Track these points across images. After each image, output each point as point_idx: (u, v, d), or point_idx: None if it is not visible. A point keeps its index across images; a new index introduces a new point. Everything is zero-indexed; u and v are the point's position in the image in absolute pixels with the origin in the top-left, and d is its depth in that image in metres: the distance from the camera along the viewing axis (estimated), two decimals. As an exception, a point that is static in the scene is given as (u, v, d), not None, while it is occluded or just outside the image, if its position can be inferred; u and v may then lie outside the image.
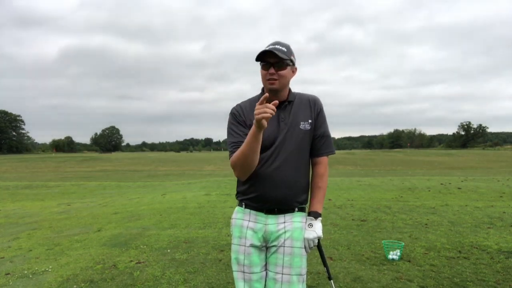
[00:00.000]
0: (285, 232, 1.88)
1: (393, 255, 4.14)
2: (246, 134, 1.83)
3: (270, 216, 1.90)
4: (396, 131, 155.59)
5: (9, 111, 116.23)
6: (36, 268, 4.08)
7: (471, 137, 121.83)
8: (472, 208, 7.32)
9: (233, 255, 1.96)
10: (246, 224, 1.93)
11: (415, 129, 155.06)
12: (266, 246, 1.93)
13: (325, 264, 2.00)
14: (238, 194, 2.01)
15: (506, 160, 36.50)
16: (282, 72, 1.85)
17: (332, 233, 5.37)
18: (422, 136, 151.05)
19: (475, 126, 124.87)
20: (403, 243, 4.36)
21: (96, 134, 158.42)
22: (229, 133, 1.95)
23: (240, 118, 1.93)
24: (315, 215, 1.92)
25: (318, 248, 1.99)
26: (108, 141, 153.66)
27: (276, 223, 1.89)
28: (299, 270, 1.87)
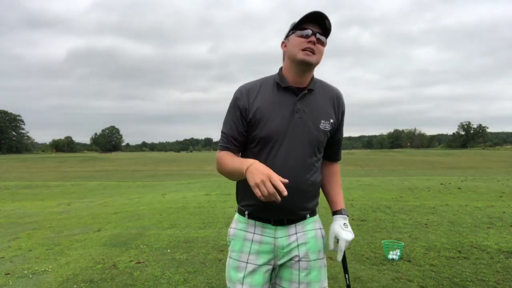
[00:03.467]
0: (298, 245, 1.61)
1: (393, 255, 4.15)
2: (242, 127, 1.58)
3: (279, 228, 1.60)
4: (396, 131, 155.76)
5: (10, 111, 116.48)
6: (36, 268, 4.08)
7: (471, 137, 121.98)
8: (472, 208, 7.31)
9: (231, 271, 1.62)
10: (250, 237, 1.62)
11: (415, 129, 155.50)
12: (274, 264, 1.62)
13: (346, 271, 1.76)
14: (239, 198, 1.69)
15: (506, 160, 36.50)
16: (321, 48, 1.55)
17: (332, 233, 5.37)
18: (422, 136, 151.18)
19: (475, 126, 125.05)
20: (403, 243, 4.36)
21: (96, 134, 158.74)
22: (225, 120, 1.63)
23: (240, 103, 1.58)
24: (346, 212, 1.70)
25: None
26: (108, 141, 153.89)
27: (287, 236, 1.60)
28: (319, 284, 1.61)
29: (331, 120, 1.62)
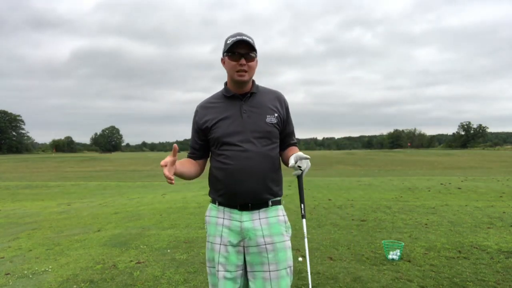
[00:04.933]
0: (262, 229, 1.86)
1: (393, 255, 4.15)
2: (198, 138, 1.96)
3: (245, 212, 1.87)
4: (396, 131, 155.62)
5: (9, 111, 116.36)
6: (36, 268, 4.08)
7: (471, 137, 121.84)
8: (472, 208, 7.32)
9: (208, 253, 1.93)
10: (221, 222, 1.91)
11: (415, 129, 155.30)
12: (244, 245, 1.88)
13: (302, 200, 1.98)
14: (211, 191, 1.99)
15: (506, 160, 36.47)
16: (252, 64, 1.86)
17: (332, 233, 5.37)
18: (422, 136, 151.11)
19: (475, 126, 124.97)
20: (403, 243, 4.36)
21: (96, 134, 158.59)
22: (191, 132, 2.03)
23: (195, 118, 1.97)
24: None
25: (298, 181, 1.95)
26: (108, 141, 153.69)
27: (251, 220, 1.87)
28: (286, 263, 1.86)
29: (276, 115, 1.92)
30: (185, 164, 1.91)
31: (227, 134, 1.85)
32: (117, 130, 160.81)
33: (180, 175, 1.82)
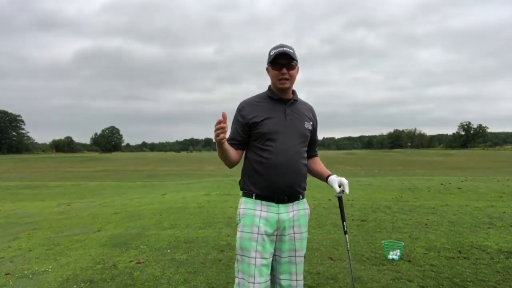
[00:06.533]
0: (294, 220, 2.12)
1: (393, 255, 4.15)
2: (241, 130, 2.10)
3: (281, 205, 2.08)
4: (396, 131, 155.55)
5: (10, 111, 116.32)
6: (36, 268, 4.08)
7: (471, 137, 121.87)
8: (472, 208, 7.31)
9: (243, 243, 2.05)
10: (258, 214, 2.06)
11: (415, 129, 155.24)
12: (277, 234, 2.09)
13: (343, 218, 2.33)
14: (247, 184, 2.12)
15: (506, 160, 36.47)
16: (292, 72, 2.08)
17: (332, 233, 5.37)
18: (422, 136, 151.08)
19: (475, 126, 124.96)
20: (403, 243, 4.36)
21: (96, 134, 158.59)
22: (231, 126, 2.16)
23: (241, 113, 2.11)
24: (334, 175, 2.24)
25: (339, 203, 2.30)
26: (108, 141, 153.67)
27: (287, 212, 2.09)
28: (305, 250, 2.20)
29: (311, 123, 2.22)
30: (229, 147, 2.07)
31: (273, 131, 2.05)
32: (117, 130, 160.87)
33: (225, 151, 2.00)
